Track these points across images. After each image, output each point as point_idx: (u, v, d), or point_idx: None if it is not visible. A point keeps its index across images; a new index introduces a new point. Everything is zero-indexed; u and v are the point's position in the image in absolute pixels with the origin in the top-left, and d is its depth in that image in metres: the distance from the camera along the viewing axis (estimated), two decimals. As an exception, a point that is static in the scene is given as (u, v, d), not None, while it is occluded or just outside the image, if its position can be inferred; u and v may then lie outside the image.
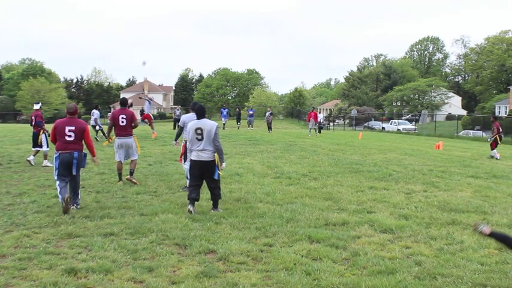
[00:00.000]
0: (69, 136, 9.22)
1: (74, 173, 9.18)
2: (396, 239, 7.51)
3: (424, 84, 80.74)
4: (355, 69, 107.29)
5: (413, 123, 59.76)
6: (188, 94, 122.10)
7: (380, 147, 24.83)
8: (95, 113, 27.40)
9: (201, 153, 9.04)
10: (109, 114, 26.59)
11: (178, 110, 38.86)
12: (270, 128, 39.21)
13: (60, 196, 9.01)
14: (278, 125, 54.86)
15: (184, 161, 11.36)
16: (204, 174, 9.12)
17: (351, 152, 21.11)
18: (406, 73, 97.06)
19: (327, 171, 14.69)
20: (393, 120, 62.53)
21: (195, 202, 9.11)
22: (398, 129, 54.41)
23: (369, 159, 18.45)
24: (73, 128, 9.27)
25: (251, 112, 44.98)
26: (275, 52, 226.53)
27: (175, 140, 11.86)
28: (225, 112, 43.18)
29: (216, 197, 9.23)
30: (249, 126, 42.74)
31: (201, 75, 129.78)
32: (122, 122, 11.81)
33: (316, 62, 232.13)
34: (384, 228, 8.04)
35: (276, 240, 7.31)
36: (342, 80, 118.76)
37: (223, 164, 9.32)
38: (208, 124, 9.16)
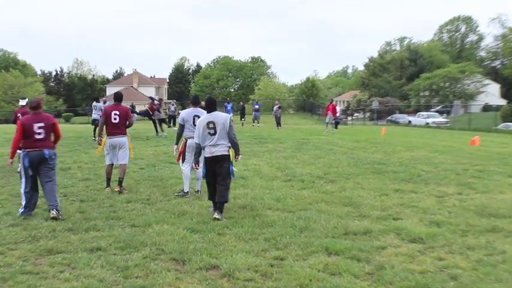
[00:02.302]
0: (39, 134, 9.45)
1: (49, 174, 9.57)
2: (427, 250, 7.47)
3: (455, 70, 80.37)
4: (375, 55, 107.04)
5: (444, 115, 59.64)
6: (184, 87, 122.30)
7: (406, 143, 24.75)
8: (97, 105, 27.13)
9: (214, 148, 9.52)
10: (93, 111, 26.55)
11: (173, 105, 38.84)
12: (278, 123, 39.25)
13: (23, 198, 9.43)
14: (288, 120, 54.92)
15: (183, 162, 11.38)
16: (215, 169, 9.55)
17: (373, 150, 21.06)
18: (435, 58, 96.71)
19: (346, 173, 14.65)
20: (421, 113, 62.35)
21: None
22: (427, 123, 54.25)
23: (393, 157, 18.39)
24: (42, 124, 9.51)
25: (257, 106, 44.98)
26: (283, 37, 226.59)
27: (177, 143, 11.84)
28: (229, 107, 43.00)
29: (222, 198, 9.44)
30: (254, 123, 42.76)
31: (198, 65, 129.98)
32: (115, 119, 11.83)
33: (331, 47, 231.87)
34: (413, 238, 8.00)
35: (288, 252, 7.28)
36: (361, 68, 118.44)
37: (239, 157, 9.94)
38: (221, 117, 9.67)
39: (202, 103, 11.16)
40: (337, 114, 39.64)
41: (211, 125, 9.52)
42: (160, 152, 19.84)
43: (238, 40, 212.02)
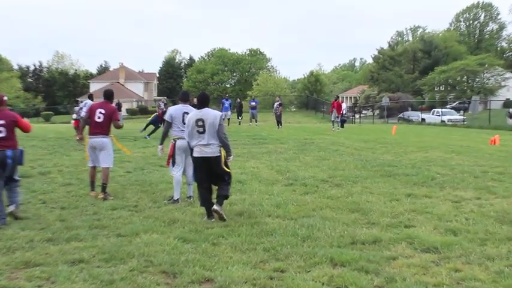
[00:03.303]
0: (0, 132, 9.51)
1: (14, 176, 9.76)
2: (442, 260, 7.46)
3: (474, 63, 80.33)
4: (385, 47, 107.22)
5: (462, 112, 59.63)
6: (176, 82, 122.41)
7: (419, 143, 24.77)
8: (89, 103, 27.02)
9: (205, 148, 9.70)
10: (75, 109, 26.55)
11: (163, 102, 38.73)
12: (279, 122, 39.19)
13: None
14: (290, 118, 54.92)
15: (173, 165, 11.37)
16: (208, 172, 9.77)
17: (383, 151, 21.07)
18: (451, 49, 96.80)
19: (353, 176, 14.65)
20: (436, 110, 62.31)
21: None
22: (442, 121, 54.30)
23: (405, 159, 18.40)
24: (3, 122, 9.57)
25: (253, 103, 44.92)
26: (284, 27, 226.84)
27: (161, 142, 11.80)
28: (227, 104, 42.90)
29: (224, 192, 9.86)
30: (251, 122, 42.74)
31: (191, 58, 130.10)
32: (99, 117, 11.90)
33: (336, 38, 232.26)
34: (427, 247, 7.99)
35: (290, 264, 7.28)
36: (370, 61, 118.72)
37: (231, 157, 10.08)
38: (211, 114, 9.84)
39: (195, 100, 11.22)
40: (344, 112, 39.65)
41: (200, 123, 9.70)
42: (149, 154, 19.84)
43: (234, 31, 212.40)
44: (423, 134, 33.94)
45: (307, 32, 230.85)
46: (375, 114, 76.19)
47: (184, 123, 10.66)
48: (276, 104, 41.04)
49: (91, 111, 12.00)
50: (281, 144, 23.27)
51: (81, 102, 26.90)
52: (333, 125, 35.55)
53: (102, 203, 11.26)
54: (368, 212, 10.30)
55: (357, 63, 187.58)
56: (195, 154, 9.78)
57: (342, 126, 38.45)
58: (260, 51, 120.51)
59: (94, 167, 12.11)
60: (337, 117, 36.11)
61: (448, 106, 70.74)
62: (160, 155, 12.30)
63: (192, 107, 11.10)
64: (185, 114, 10.95)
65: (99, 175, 12.30)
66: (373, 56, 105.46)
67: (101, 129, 11.89)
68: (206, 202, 9.75)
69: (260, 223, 9.43)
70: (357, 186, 13.24)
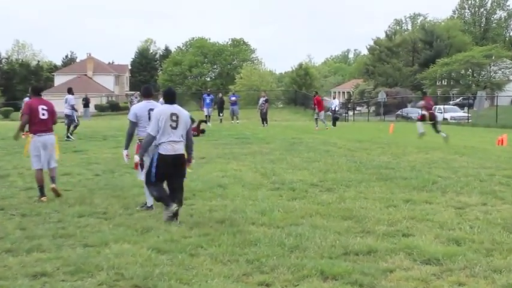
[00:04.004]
0: None
1: None
2: (444, 273, 7.49)
3: (480, 54, 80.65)
4: (382, 36, 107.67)
5: (466, 109, 59.98)
6: (150, 75, 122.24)
7: (419, 143, 24.86)
8: (69, 98, 27.04)
9: (176, 145, 10.03)
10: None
11: (136, 97, 38.92)
12: (264, 120, 39.22)
13: None
14: (276, 115, 55.00)
15: (142, 169, 11.21)
16: (172, 172, 10.10)
17: (379, 152, 21.13)
18: (455, 40, 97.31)
19: (346, 179, 14.68)
20: (437, 106, 62.54)
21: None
22: (445, 119, 54.55)
23: (403, 161, 18.46)
24: None
25: (233, 98, 44.95)
26: (270, 15, 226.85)
27: (127, 147, 11.66)
28: (208, 99, 42.88)
29: (181, 203, 10.26)
30: (233, 119, 42.74)
31: (167, 49, 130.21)
32: (43, 114, 12.16)
33: (328, 27, 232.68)
34: (427, 258, 8.02)
35: (276, 277, 7.28)
36: (365, 52, 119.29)
37: (193, 160, 10.84)
38: (184, 113, 10.33)
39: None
40: (333, 108, 39.78)
41: (174, 117, 10.02)
42: (120, 155, 19.73)
43: (215, 18, 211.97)
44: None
45: (296, 20, 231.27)
46: (371, 111, 76.49)
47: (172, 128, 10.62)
48: (261, 100, 41.09)
49: (32, 109, 12.17)
50: (266, 144, 23.27)
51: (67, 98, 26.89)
52: (316, 123, 35.59)
53: (67, 208, 11.23)
54: (362, 220, 10.31)
55: (351, 55, 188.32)
56: (166, 152, 9.95)
57: (334, 124, 38.59)
58: (244, 42, 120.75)
59: (41, 170, 12.20)
60: (318, 113, 36.17)
61: (451, 102, 71.23)
62: (126, 161, 12.03)
63: (157, 103, 11.47)
64: (151, 111, 10.95)
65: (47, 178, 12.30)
66: (368, 46, 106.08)
67: (48, 126, 12.29)
68: (164, 192, 10.20)
69: (243, 232, 9.42)
70: (350, 190, 13.26)
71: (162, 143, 9.94)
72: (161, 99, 13.22)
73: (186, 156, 10.28)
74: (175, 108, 10.19)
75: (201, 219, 9.86)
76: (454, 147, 23.47)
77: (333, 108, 44.08)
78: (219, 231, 9.45)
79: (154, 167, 10.08)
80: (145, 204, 11.37)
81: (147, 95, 11.73)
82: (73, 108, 26.58)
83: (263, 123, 38.93)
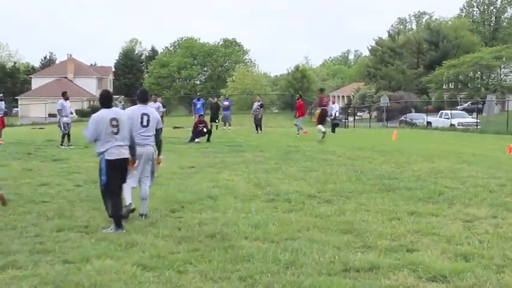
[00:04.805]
0: None
1: None
2: (452, 291, 7.49)
3: (489, 56, 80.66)
4: (385, 36, 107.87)
5: (475, 114, 60.05)
6: (135, 78, 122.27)
7: (425, 151, 24.89)
8: (65, 104, 27.00)
9: (122, 149, 10.69)
10: (16, 110, 26.55)
11: (120, 102, 38.76)
12: (259, 126, 39.19)
13: None
14: (271, 121, 55.00)
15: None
16: (121, 176, 10.79)
17: (381, 161, 21.15)
18: (462, 40, 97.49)
19: (346, 190, 14.69)
20: (444, 112, 62.76)
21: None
22: (451, 125, 54.66)
23: (408, 170, 18.49)
24: None
25: (226, 103, 44.92)
26: (265, 13, 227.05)
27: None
28: (199, 104, 42.94)
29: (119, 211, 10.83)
30: (225, 126, 42.75)
31: (153, 50, 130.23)
32: None
33: (327, 26, 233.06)
34: (433, 275, 8.03)
35: (270, 296, 7.26)
36: (366, 53, 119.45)
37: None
38: (124, 114, 11.16)
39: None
40: (333, 113, 39.71)
41: (114, 122, 10.55)
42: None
43: (205, 17, 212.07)
44: (429, 140, 34.11)
45: (292, 19, 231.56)
46: (372, 116, 76.57)
47: (143, 126, 11.47)
48: (255, 105, 41.06)
49: None
50: (260, 153, 23.28)
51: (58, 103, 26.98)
52: (298, 129, 35.35)
53: (45, 221, 11.20)
54: (363, 234, 10.32)
55: (351, 56, 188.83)
56: (113, 156, 10.54)
57: (333, 131, 38.53)
58: (236, 42, 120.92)
59: None
60: (299, 118, 36.00)
61: (458, 107, 71.26)
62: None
63: (151, 108, 12.25)
64: (144, 116, 11.57)
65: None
66: (370, 47, 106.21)
67: None
68: (120, 210, 10.78)
69: (235, 247, 9.42)
70: (350, 202, 13.27)
71: (108, 149, 10.50)
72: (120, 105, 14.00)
73: (130, 159, 10.87)
74: (114, 111, 10.80)
75: (189, 233, 9.84)
76: (461, 155, 23.49)
77: (333, 114, 44.02)
78: (210, 246, 9.45)
79: (104, 175, 10.61)
80: (126, 205, 11.62)
81: (144, 99, 12.10)
82: (59, 113, 26.54)
83: (257, 129, 38.90)
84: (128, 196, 11.50)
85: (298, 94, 43.04)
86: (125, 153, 10.66)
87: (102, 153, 10.55)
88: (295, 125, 36.19)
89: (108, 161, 10.49)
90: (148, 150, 11.52)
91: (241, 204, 13.00)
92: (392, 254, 9.09)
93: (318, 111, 31.07)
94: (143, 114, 11.55)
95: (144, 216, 11.53)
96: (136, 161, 11.38)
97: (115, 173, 10.56)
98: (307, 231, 10.51)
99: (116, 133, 10.51)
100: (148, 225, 10.98)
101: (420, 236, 10.19)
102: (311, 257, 8.83)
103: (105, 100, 10.86)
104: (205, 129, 29.56)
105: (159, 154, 12.12)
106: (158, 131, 11.82)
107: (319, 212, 12.16)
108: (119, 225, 10.43)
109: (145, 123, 11.47)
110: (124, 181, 10.91)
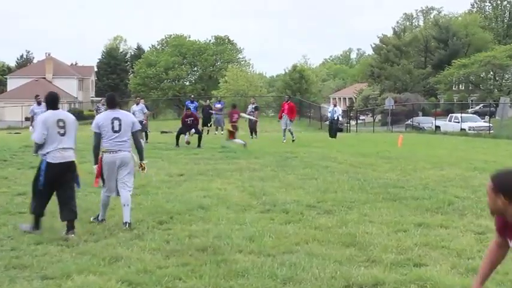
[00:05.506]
0: None
1: None
2: (462, 308, 7.50)
3: (502, 54, 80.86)
4: (390, 34, 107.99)
5: (487, 118, 60.14)
6: (119, 78, 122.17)
7: (433, 158, 24.93)
8: (37, 110, 27.03)
9: (66, 152, 11.05)
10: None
11: (103, 104, 38.67)
12: (254, 131, 39.19)
13: None
14: (267, 126, 54.99)
15: (103, 184, 11.91)
16: (61, 180, 11.10)
17: (386, 168, 21.17)
18: (473, 38, 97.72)
19: (348, 200, 14.70)
20: (454, 115, 62.84)
21: None
22: (462, 129, 54.76)
23: (414, 178, 18.51)
24: None
25: (219, 106, 45.00)
26: (260, 9, 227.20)
27: (96, 161, 12.12)
28: (192, 107, 43.00)
29: (75, 214, 11.31)
30: (217, 130, 42.75)
31: (139, 48, 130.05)
32: None
33: (327, 23, 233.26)
34: (443, 291, 8.04)
35: (267, 314, 7.27)
36: (370, 52, 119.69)
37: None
38: (71, 116, 11.51)
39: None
40: (335, 117, 39.64)
41: (61, 123, 11.00)
42: (84, 171, 19.70)
43: (195, 13, 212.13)
44: (438, 146, 34.17)
45: (289, 15, 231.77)
46: (376, 120, 76.68)
47: (114, 132, 11.65)
48: (250, 108, 41.03)
49: None
50: (255, 160, 23.27)
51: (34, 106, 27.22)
52: (284, 134, 34.88)
53: (22, 234, 11.19)
54: (367, 247, 10.33)
55: (353, 55, 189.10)
56: (54, 160, 10.90)
57: (334, 135, 38.53)
58: (229, 40, 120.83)
59: None
60: (290, 123, 35.32)
61: (469, 110, 71.36)
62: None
63: (124, 112, 12.58)
64: (115, 121, 11.75)
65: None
66: (373, 45, 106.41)
67: None
68: (42, 210, 11.24)
69: (228, 261, 9.42)
70: (352, 213, 13.29)
71: (50, 151, 10.86)
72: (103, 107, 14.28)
73: (76, 163, 11.37)
74: (61, 113, 11.37)
75: (179, 247, 9.83)
76: (473, 162, 23.53)
77: (335, 118, 43.78)
78: (200, 261, 9.45)
79: (42, 176, 10.94)
80: (97, 217, 12.09)
81: (112, 104, 12.25)
82: (33, 119, 26.61)
83: (252, 134, 38.91)
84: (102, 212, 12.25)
85: (287, 96, 42.62)
86: (69, 157, 11.06)
87: (45, 155, 10.92)
88: (289, 130, 35.92)
89: (49, 164, 10.88)
90: (122, 154, 11.67)
91: (235, 215, 13.01)
92: (398, 268, 9.11)
93: (228, 127, 31.97)
94: (114, 119, 11.68)
95: (128, 225, 11.55)
96: (108, 170, 11.83)
97: (53, 176, 10.92)
98: (306, 244, 10.52)
99: (63, 134, 10.93)
100: (134, 238, 10.97)
101: (428, 250, 10.20)
102: (310, 272, 8.84)
103: (53, 101, 11.25)
104: (194, 123, 29.70)
105: (141, 159, 12.25)
106: (135, 134, 12.02)
107: (319, 224, 12.17)
108: (36, 226, 11.09)
109: (116, 128, 11.58)
110: (68, 187, 11.26)
